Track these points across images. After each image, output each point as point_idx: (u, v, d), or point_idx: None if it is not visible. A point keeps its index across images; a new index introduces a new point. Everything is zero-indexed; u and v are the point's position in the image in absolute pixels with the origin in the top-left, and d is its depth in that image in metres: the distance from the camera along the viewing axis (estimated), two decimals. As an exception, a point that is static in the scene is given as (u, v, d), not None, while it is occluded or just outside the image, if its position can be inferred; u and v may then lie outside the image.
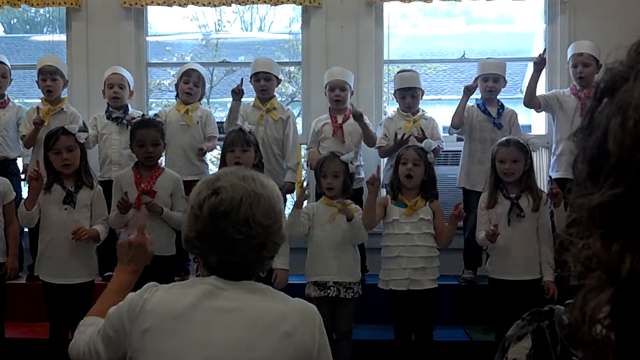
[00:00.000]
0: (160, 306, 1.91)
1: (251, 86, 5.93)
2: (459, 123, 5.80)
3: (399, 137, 5.47)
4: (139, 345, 1.90)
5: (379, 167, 4.86)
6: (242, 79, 5.77)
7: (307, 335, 1.94)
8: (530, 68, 6.16)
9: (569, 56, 5.89)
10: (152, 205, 4.75)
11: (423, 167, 4.79)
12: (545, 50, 5.94)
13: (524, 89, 5.98)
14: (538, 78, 5.77)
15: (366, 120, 5.71)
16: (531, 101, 5.82)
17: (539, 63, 5.72)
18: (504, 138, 4.94)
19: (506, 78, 5.94)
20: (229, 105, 5.80)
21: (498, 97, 5.87)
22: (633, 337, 0.66)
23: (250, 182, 1.97)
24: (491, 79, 5.79)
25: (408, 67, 6.44)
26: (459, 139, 6.02)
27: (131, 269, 2.24)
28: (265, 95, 5.84)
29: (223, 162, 4.88)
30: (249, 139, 4.85)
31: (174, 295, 1.95)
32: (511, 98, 6.05)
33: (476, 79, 5.85)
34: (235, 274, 1.98)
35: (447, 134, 6.02)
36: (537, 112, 6.10)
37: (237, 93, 5.65)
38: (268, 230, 1.95)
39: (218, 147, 5.85)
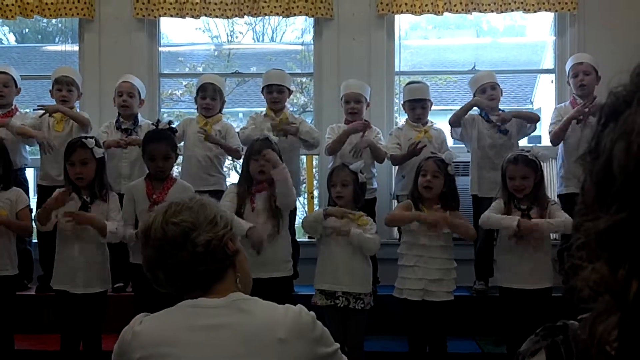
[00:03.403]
0: (148, 334, 1.91)
1: (262, 97, 5.95)
2: (454, 122, 5.90)
3: (413, 146, 5.52)
4: None
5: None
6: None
7: (304, 347, 1.91)
8: (541, 79, 6.15)
9: (567, 68, 5.92)
10: None
11: (443, 178, 4.79)
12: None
13: (533, 100, 5.99)
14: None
15: (376, 134, 5.75)
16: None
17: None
18: (512, 155, 4.88)
19: (515, 88, 5.96)
20: (240, 115, 5.76)
21: (503, 107, 5.91)
22: None
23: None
24: (489, 87, 5.87)
25: (419, 78, 6.44)
26: (469, 151, 6.03)
27: None
28: (277, 106, 5.85)
29: (246, 169, 4.87)
30: (274, 148, 4.83)
31: (160, 322, 1.95)
32: (521, 109, 6.05)
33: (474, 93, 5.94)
34: (193, 283, 1.99)
35: (455, 142, 6.04)
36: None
37: None
38: (185, 227, 1.98)
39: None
